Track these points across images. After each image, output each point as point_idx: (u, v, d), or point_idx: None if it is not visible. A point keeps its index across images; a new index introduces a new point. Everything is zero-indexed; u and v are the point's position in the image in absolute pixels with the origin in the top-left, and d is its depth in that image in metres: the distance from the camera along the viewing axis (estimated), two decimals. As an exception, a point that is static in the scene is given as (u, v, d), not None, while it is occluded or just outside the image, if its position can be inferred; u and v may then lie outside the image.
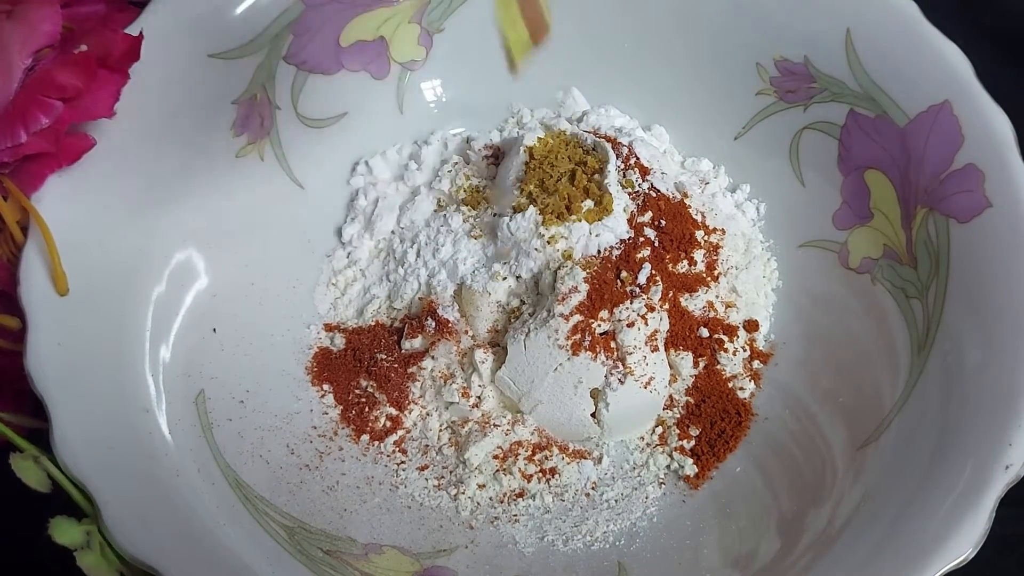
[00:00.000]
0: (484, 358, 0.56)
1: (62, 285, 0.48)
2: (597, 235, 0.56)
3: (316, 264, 0.62)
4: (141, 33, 0.50)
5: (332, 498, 0.53)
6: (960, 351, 0.49)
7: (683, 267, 0.58)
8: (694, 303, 0.59)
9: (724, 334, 0.58)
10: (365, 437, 0.56)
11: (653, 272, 0.56)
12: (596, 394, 0.55)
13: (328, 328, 0.60)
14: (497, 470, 0.55)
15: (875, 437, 0.51)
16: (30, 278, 0.47)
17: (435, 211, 0.62)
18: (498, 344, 0.57)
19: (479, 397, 0.56)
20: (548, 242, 0.55)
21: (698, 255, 0.59)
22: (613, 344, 0.55)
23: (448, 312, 0.57)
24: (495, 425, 0.56)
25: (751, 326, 0.59)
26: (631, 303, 0.55)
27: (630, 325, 0.54)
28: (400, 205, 0.63)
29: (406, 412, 0.57)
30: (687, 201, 0.60)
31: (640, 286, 0.56)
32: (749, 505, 0.53)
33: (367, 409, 0.57)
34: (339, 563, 0.48)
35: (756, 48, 0.59)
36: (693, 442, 0.56)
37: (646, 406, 0.56)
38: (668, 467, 0.56)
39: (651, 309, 0.55)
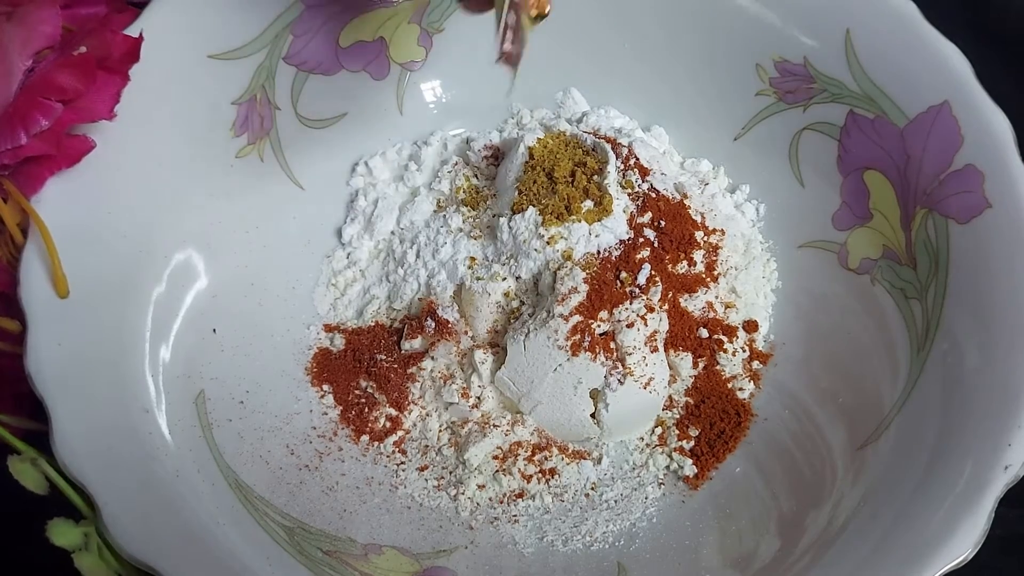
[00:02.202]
0: (484, 358, 0.56)
1: (62, 288, 0.48)
2: (597, 236, 0.56)
3: (316, 264, 0.62)
4: (141, 35, 0.50)
5: (332, 498, 0.53)
6: (959, 351, 0.49)
7: (683, 268, 0.58)
8: (694, 304, 0.59)
9: (724, 335, 0.58)
10: (365, 438, 0.56)
11: (653, 272, 0.56)
12: (596, 395, 0.55)
13: (328, 328, 0.60)
14: (497, 471, 0.55)
15: (875, 437, 0.51)
16: (30, 279, 0.47)
17: (435, 212, 0.62)
18: (498, 344, 0.57)
19: (479, 397, 0.56)
20: (548, 242, 0.56)
21: (698, 256, 0.59)
22: (613, 345, 0.55)
23: (448, 312, 0.57)
24: (495, 426, 0.56)
25: (751, 326, 0.59)
26: (631, 304, 0.55)
27: (630, 326, 0.54)
28: (400, 206, 0.63)
29: (406, 413, 0.57)
30: (687, 202, 0.60)
31: (640, 287, 0.56)
32: (749, 505, 0.53)
33: (367, 410, 0.57)
34: (339, 563, 0.48)
35: (756, 49, 0.59)
36: (692, 443, 0.56)
37: (645, 407, 0.56)
38: (667, 468, 0.56)
39: (651, 310, 0.55)
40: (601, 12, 0.62)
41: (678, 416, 0.57)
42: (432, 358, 0.57)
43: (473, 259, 0.58)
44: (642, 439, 0.57)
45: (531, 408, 0.56)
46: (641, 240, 0.56)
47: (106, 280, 0.50)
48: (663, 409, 0.58)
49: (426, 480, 0.55)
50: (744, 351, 0.59)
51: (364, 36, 0.61)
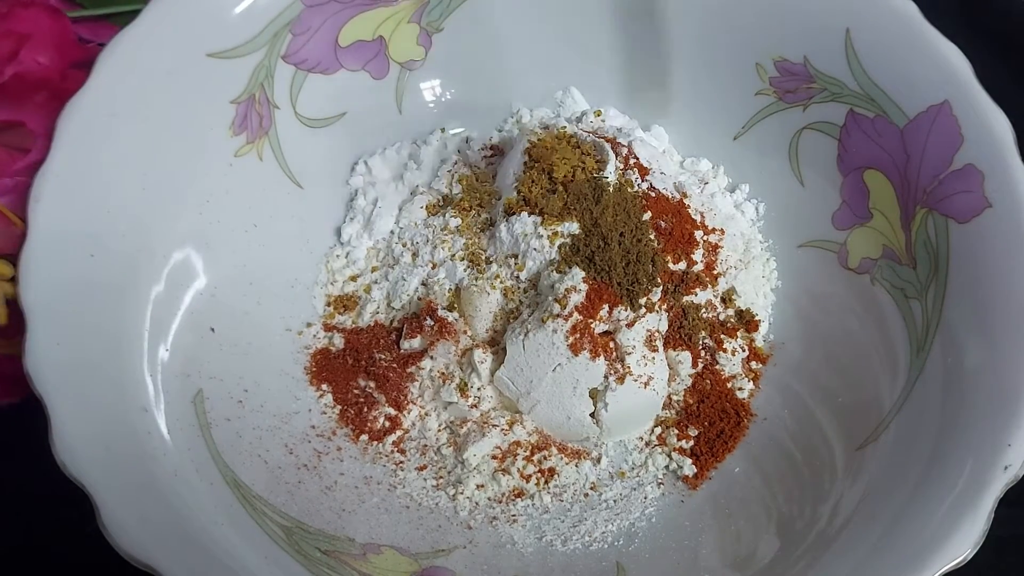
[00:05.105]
0: (483, 358, 0.56)
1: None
2: (596, 235, 0.56)
3: (315, 264, 0.62)
4: (32, 35, 0.47)
5: (330, 498, 0.53)
6: (959, 351, 0.49)
7: (682, 267, 0.58)
8: (694, 303, 0.58)
9: (724, 334, 0.58)
10: (364, 437, 0.56)
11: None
12: (595, 394, 0.55)
13: (327, 328, 0.60)
14: (496, 470, 0.55)
15: (874, 437, 0.51)
16: (29, 279, 0.47)
17: (433, 211, 0.62)
18: (497, 344, 0.57)
19: (478, 397, 0.56)
20: (547, 241, 0.55)
21: (697, 255, 0.59)
22: (612, 344, 0.55)
23: (447, 312, 0.57)
24: (494, 425, 0.56)
25: (751, 326, 0.59)
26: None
27: (629, 325, 0.54)
28: (399, 205, 0.63)
29: (405, 412, 0.57)
30: (686, 201, 0.60)
31: (639, 286, 0.56)
32: (748, 505, 0.53)
33: (366, 409, 0.57)
34: (337, 563, 0.48)
35: (756, 48, 0.59)
36: (692, 442, 0.56)
37: (645, 406, 0.56)
38: (667, 467, 0.56)
39: (650, 309, 0.55)
40: (600, 12, 0.62)
41: (678, 416, 0.57)
42: (431, 357, 0.57)
43: (472, 259, 0.58)
44: (641, 439, 0.57)
45: (530, 408, 0.55)
46: (641, 240, 0.56)
47: (105, 279, 0.50)
48: (662, 409, 0.57)
49: (425, 480, 0.55)
50: (744, 351, 0.59)
51: (363, 35, 0.61)
